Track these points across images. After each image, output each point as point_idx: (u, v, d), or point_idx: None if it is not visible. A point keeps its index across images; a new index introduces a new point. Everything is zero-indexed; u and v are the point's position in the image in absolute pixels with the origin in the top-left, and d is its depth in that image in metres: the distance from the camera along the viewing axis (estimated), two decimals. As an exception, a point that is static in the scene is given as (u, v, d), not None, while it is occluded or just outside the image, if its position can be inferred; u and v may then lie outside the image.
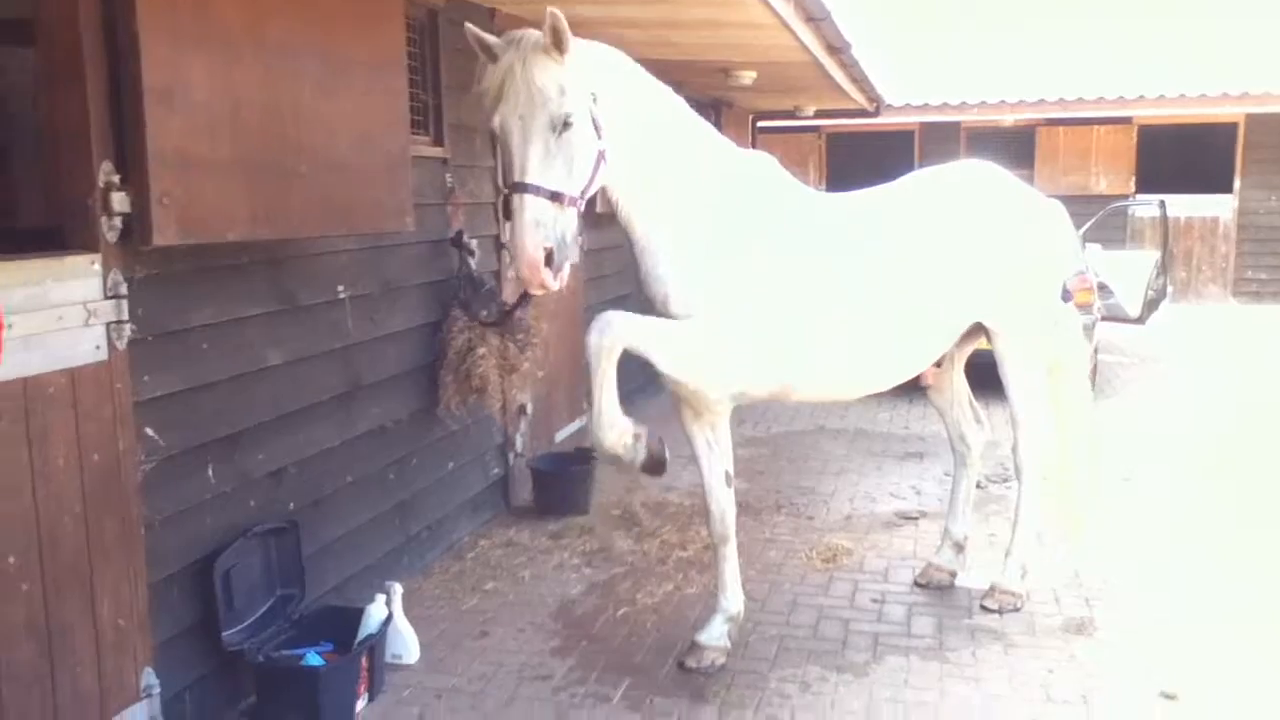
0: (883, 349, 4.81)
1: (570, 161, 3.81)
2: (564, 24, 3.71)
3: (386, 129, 4.86)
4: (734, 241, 4.35)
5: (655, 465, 4.32)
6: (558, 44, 3.75)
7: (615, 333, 4.09)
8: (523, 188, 3.75)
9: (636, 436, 4.23)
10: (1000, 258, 5.00)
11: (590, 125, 3.87)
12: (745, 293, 4.35)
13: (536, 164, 3.76)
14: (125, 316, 3.70)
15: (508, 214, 3.85)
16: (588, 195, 3.93)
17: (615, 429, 4.16)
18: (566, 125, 3.77)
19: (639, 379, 9.83)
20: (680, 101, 4.42)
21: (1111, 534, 6.37)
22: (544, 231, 3.73)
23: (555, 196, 3.76)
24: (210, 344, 4.21)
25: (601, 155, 3.93)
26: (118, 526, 3.70)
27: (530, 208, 3.73)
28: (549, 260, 3.74)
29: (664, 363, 4.25)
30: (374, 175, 4.78)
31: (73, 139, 3.55)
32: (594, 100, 3.89)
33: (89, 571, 3.59)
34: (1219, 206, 18.03)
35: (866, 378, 4.93)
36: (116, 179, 3.58)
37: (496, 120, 3.83)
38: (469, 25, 3.97)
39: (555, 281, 3.79)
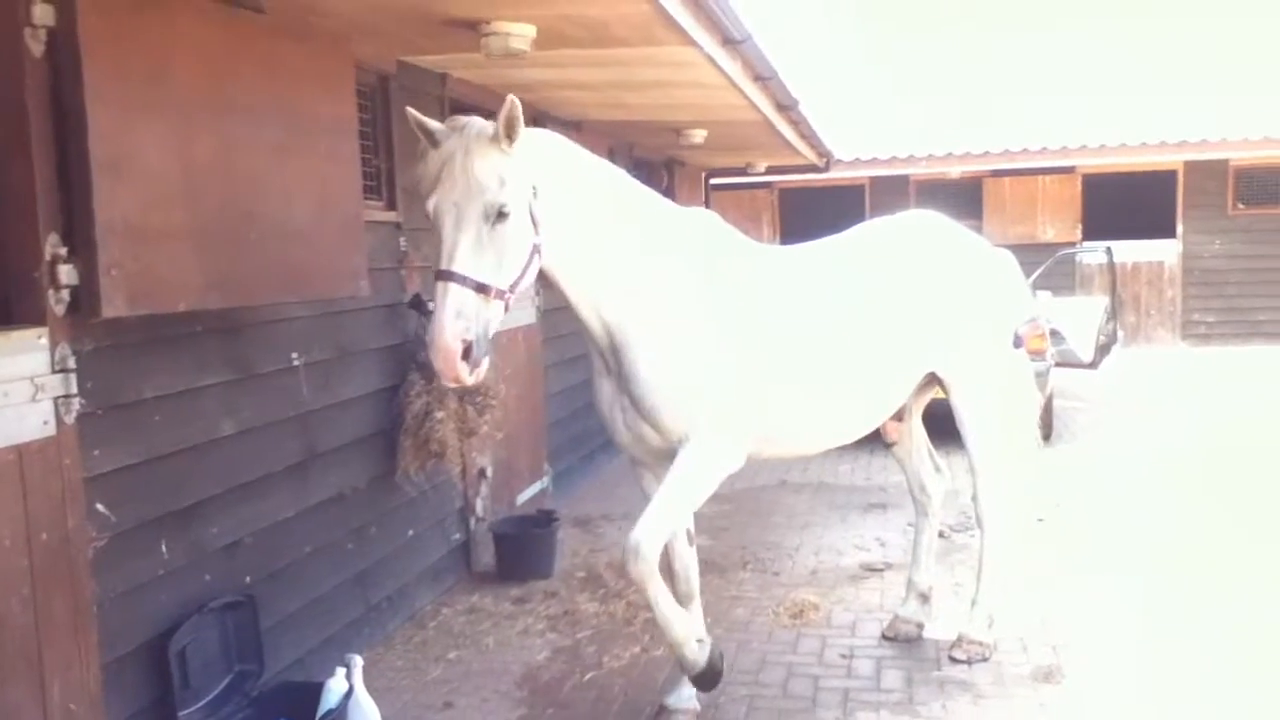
0: (849, 401, 4.83)
1: (502, 253, 3.71)
2: (519, 113, 3.66)
3: (340, 193, 4.84)
4: (709, 330, 4.31)
5: (711, 677, 4.48)
6: (509, 133, 3.68)
7: (647, 554, 4.14)
8: (448, 275, 3.64)
9: (700, 641, 4.43)
10: (952, 306, 5.05)
11: (528, 219, 3.78)
12: (733, 386, 4.33)
13: (465, 253, 3.65)
14: (74, 390, 3.63)
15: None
16: (518, 289, 3.83)
17: (684, 627, 4.37)
18: (501, 216, 3.68)
19: (598, 439, 9.81)
20: (626, 179, 4.35)
21: (1076, 580, 6.38)
22: (464, 323, 3.61)
23: (481, 288, 3.65)
24: (162, 415, 4.14)
25: (536, 249, 3.84)
26: (68, 606, 3.59)
27: (453, 297, 3.61)
28: (467, 354, 3.62)
29: (702, 500, 4.46)
30: (327, 240, 4.74)
31: (19, 210, 3.49)
32: (534, 194, 3.80)
33: (38, 654, 3.47)
34: (1164, 251, 18.35)
35: (834, 431, 4.94)
36: (64, 251, 3.52)
37: (431, 204, 3.74)
38: (410, 110, 3.91)
39: (471, 376, 3.67)
